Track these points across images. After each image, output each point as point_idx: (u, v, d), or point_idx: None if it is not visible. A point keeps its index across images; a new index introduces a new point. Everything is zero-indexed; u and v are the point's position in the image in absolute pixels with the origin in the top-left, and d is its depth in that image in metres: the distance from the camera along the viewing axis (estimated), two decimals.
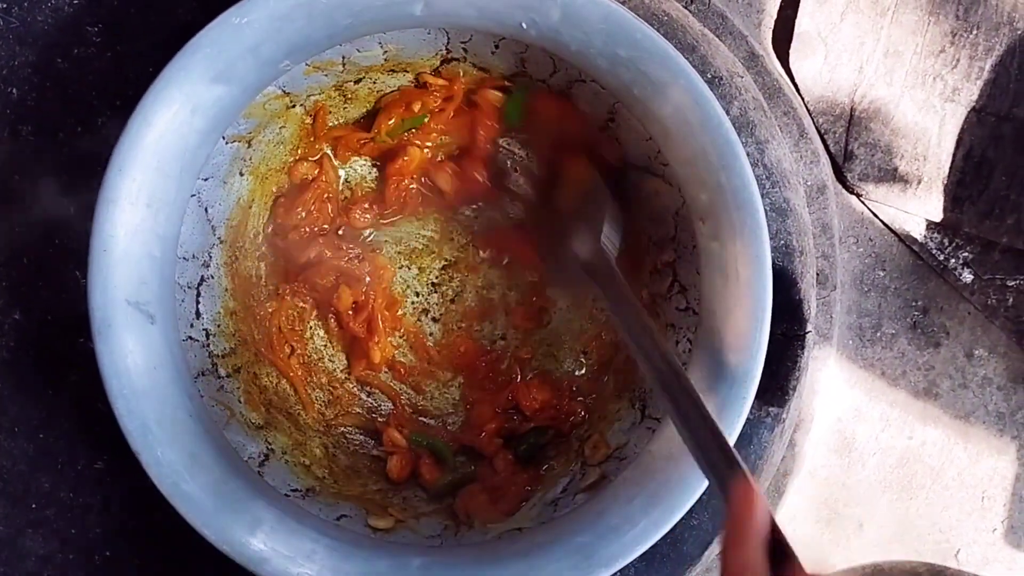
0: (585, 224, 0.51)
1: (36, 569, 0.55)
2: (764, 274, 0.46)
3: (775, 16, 0.62)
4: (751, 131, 0.56)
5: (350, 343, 0.58)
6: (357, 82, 0.54)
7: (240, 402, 0.52)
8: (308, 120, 0.55)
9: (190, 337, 0.50)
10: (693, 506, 0.46)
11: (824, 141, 0.61)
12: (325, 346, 0.59)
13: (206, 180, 0.50)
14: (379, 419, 0.58)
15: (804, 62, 0.60)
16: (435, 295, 0.59)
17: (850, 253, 0.62)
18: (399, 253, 0.59)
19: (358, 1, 0.46)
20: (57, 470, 0.55)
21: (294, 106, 0.53)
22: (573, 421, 0.57)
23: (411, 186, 0.58)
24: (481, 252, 0.59)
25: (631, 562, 0.46)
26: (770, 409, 0.56)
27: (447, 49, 0.52)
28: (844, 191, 0.62)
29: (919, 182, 0.60)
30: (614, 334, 0.58)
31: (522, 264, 0.59)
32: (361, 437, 0.58)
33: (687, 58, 0.47)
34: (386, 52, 0.52)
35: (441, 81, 0.55)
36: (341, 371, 0.59)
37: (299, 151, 0.56)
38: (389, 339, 0.58)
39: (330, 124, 0.56)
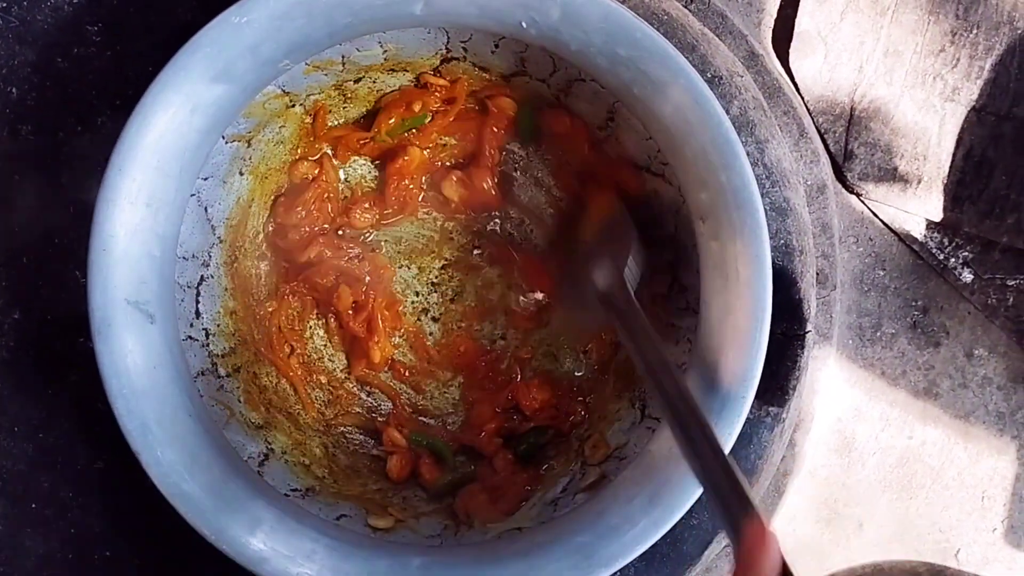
0: (609, 256, 0.50)
1: (36, 569, 0.55)
2: (764, 274, 0.46)
3: (775, 15, 0.62)
4: (751, 130, 0.56)
5: (350, 343, 0.58)
6: (357, 81, 0.54)
7: (240, 402, 0.52)
8: (308, 119, 0.55)
9: (190, 337, 0.50)
10: (693, 506, 0.46)
11: (824, 141, 0.61)
12: (325, 346, 0.59)
13: (206, 179, 0.50)
14: (379, 419, 0.58)
15: (804, 61, 0.60)
16: (435, 295, 0.59)
17: (850, 253, 0.62)
18: (399, 253, 0.59)
19: (358, 0, 0.46)
20: (57, 470, 0.55)
21: (294, 105, 0.53)
22: (573, 421, 0.57)
23: (411, 186, 0.58)
24: (489, 267, 0.59)
25: (631, 562, 0.46)
26: (770, 409, 0.56)
27: (447, 48, 0.52)
28: (844, 191, 0.62)
29: (919, 182, 0.60)
30: (614, 334, 0.58)
31: (529, 283, 0.59)
32: (361, 437, 0.58)
33: (687, 57, 0.47)
34: (386, 51, 0.52)
35: (441, 81, 0.55)
36: (341, 371, 0.59)
37: (299, 151, 0.56)
38: (389, 339, 0.58)
39: (330, 124, 0.56)
